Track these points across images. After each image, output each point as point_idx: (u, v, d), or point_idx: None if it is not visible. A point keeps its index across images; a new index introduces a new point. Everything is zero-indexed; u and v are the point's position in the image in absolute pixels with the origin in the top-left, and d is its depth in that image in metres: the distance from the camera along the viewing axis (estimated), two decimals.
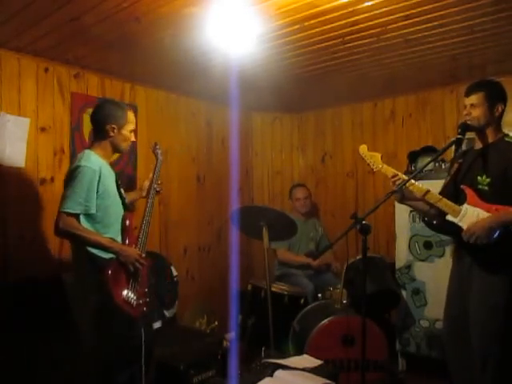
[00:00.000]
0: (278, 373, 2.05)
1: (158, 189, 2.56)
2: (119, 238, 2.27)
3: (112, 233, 2.24)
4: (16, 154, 2.78)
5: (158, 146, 2.65)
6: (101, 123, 2.27)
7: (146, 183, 2.59)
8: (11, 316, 2.43)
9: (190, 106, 3.99)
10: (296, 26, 2.43)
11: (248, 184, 4.66)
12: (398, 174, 2.31)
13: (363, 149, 2.44)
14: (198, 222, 4.02)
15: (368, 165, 2.43)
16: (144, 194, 2.57)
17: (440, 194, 2.29)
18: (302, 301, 3.26)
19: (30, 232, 2.84)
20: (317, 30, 2.48)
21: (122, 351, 2.22)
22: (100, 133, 2.29)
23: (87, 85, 3.19)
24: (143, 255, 2.28)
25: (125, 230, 2.30)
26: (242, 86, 3.37)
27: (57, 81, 3.02)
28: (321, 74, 3.32)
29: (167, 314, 3.24)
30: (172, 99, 3.82)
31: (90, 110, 3.10)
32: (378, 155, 2.40)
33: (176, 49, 2.75)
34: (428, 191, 2.24)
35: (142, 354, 2.25)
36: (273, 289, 3.11)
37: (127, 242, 2.29)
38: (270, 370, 2.08)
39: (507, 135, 2.24)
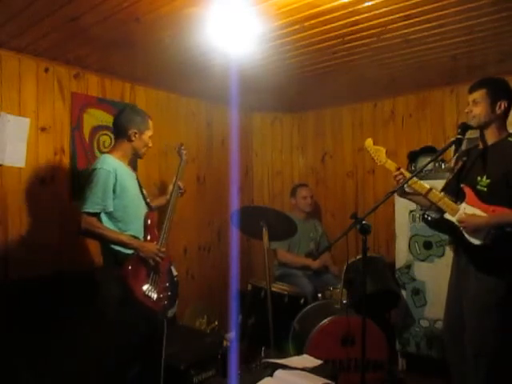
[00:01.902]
0: (278, 373, 2.05)
1: (181, 191, 2.71)
2: (141, 236, 2.41)
3: (133, 230, 2.38)
4: (16, 154, 2.78)
5: (183, 147, 2.79)
6: (123, 127, 2.43)
7: (171, 187, 2.70)
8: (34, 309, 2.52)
9: (190, 106, 3.99)
10: (296, 26, 2.43)
11: (248, 184, 4.66)
12: (400, 169, 2.32)
13: (369, 142, 2.46)
14: (197, 221, 4.02)
15: (372, 158, 2.45)
16: (169, 197, 2.67)
17: (442, 190, 2.31)
18: (302, 301, 3.26)
19: (29, 232, 2.84)
20: (317, 30, 2.48)
21: (136, 344, 2.32)
22: (121, 136, 2.45)
23: (87, 85, 3.19)
24: (163, 249, 2.39)
25: (147, 228, 2.44)
26: (241, 86, 3.36)
27: (57, 81, 3.02)
28: (321, 74, 3.32)
29: (167, 313, 3.24)
30: (172, 99, 3.82)
31: (90, 110, 3.15)
32: (383, 150, 2.41)
33: (176, 49, 2.75)
34: (430, 190, 2.25)
35: (158, 349, 2.40)
36: (273, 289, 3.11)
37: (149, 238, 2.42)
38: (270, 369, 2.08)
39: (511, 135, 2.22)
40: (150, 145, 2.55)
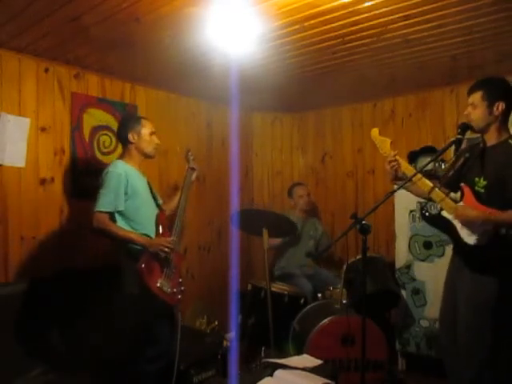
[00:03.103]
0: (278, 372, 2.05)
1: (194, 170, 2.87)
2: (153, 234, 2.52)
3: (145, 229, 2.50)
4: (16, 154, 2.78)
5: (190, 153, 2.93)
6: (123, 135, 2.61)
7: (179, 193, 2.81)
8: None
9: (190, 106, 3.99)
10: (296, 26, 2.43)
11: (248, 184, 4.66)
12: (396, 155, 2.33)
13: (375, 132, 2.45)
14: (198, 221, 4.02)
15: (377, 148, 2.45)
16: (177, 201, 2.76)
17: (443, 184, 2.31)
18: (302, 301, 3.26)
19: (29, 232, 2.84)
20: (317, 30, 2.48)
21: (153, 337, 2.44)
22: (125, 143, 2.62)
23: (87, 85, 3.19)
24: (171, 239, 2.49)
25: (158, 228, 2.56)
26: (242, 86, 3.36)
27: (57, 81, 3.02)
28: (321, 74, 3.32)
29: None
30: (172, 99, 3.82)
31: (90, 110, 3.15)
32: (388, 141, 2.40)
33: (176, 49, 2.75)
34: (433, 188, 2.24)
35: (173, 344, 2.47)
36: (273, 289, 3.11)
37: (160, 233, 2.55)
38: (270, 369, 2.08)
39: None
40: (157, 141, 2.65)
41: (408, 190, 2.51)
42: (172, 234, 2.57)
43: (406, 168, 2.31)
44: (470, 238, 2.14)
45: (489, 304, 2.12)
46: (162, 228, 2.58)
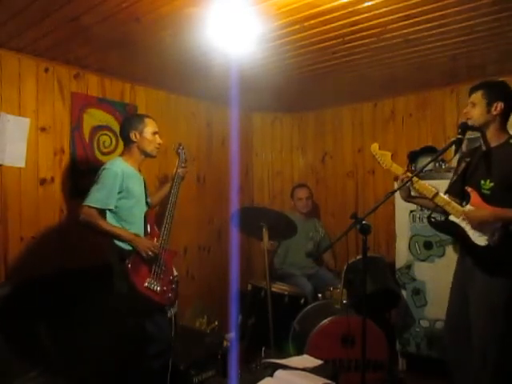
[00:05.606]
0: (278, 373, 2.05)
1: (182, 174, 2.83)
2: (143, 233, 2.53)
3: (135, 229, 2.51)
4: (16, 154, 2.78)
5: (181, 147, 2.93)
6: (125, 134, 2.61)
7: (168, 187, 2.83)
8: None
9: (190, 106, 3.99)
10: (296, 26, 2.43)
11: (248, 184, 4.66)
12: (407, 172, 2.35)
13: (374, 147, 2.48)
14: (198, 221, 4.02)
15: (378, 163, 2.48)
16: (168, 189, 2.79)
17: (447, 191, 2.32)
18: (302, 301, 3.26)
19: (29, 232, 2.84)
20: (317, 29, 2.48)
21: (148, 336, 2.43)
22: (127, 142, 2.63)
23: (87, 85, 3.19)
24: (158, 243, 2.50)
25: (146, 226, 2.58)
26: (242, 86, 3.37)
27: (57, 81, 3.02)
28: (321, 74, 3.32)
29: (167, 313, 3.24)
30: (172, 99, 3.82)
31: (90, 110, 3.14)
32: (389, 154, 2.44)
33: (176, 49, 2.75)
34: (437, 193, 2.26)
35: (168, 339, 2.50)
36: (273, 289, 3.11)
37: (149, 232, 2.56)
38: (270, 370, 2.08)
39: None
40: (159, 141, 2.66)
41: (417, 204, 2.54)
42: (161, 231, 2.57)
43: (421, 186, 2.32)
44: (480, 240, 2.15)
45: (502, 305, 2.13)
46: (151, 226, 2.59)
